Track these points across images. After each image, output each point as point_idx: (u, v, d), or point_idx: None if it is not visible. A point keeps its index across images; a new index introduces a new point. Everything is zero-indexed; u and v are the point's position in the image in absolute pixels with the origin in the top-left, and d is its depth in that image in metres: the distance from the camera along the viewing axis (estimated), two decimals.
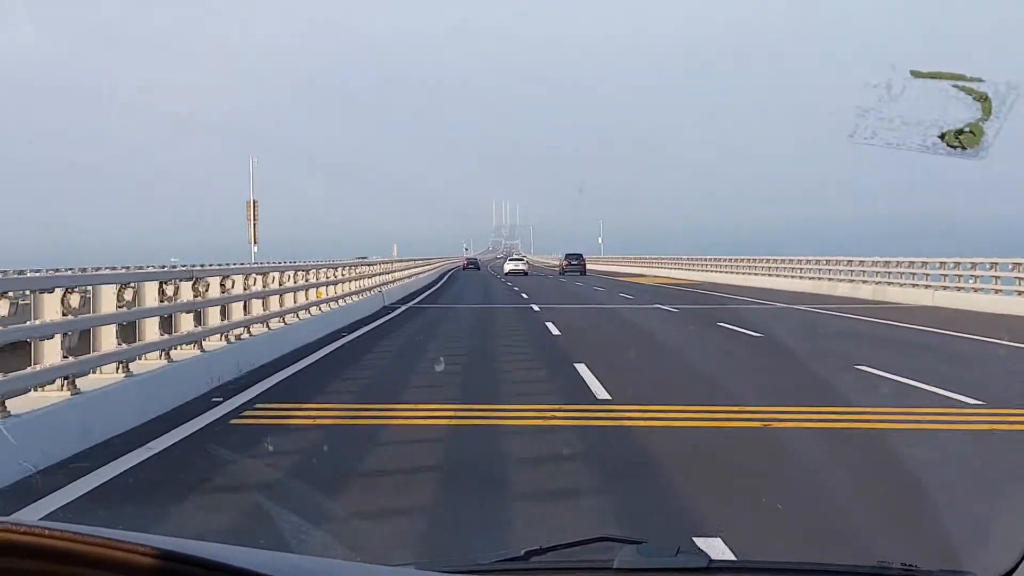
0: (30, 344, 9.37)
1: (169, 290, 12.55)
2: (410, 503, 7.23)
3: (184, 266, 22.47)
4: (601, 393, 12.58)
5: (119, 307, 11.03)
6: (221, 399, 12.01)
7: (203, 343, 13.60)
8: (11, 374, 8.51)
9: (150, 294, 12.13)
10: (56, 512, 6.81)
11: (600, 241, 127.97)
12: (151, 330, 12.11)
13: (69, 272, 27.16)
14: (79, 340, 10.60)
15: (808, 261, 49.01)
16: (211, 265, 19.40)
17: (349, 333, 22.00)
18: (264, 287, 18.18)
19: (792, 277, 49.98)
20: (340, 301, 25.97)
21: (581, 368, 14.88)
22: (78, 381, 9.74)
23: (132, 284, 11.53)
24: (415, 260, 65.94)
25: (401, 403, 12.02)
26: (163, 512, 6.96)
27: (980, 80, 2.08)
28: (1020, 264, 29.93)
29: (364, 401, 12.30)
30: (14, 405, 8.56)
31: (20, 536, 1.25)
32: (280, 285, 19.33)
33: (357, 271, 31.02)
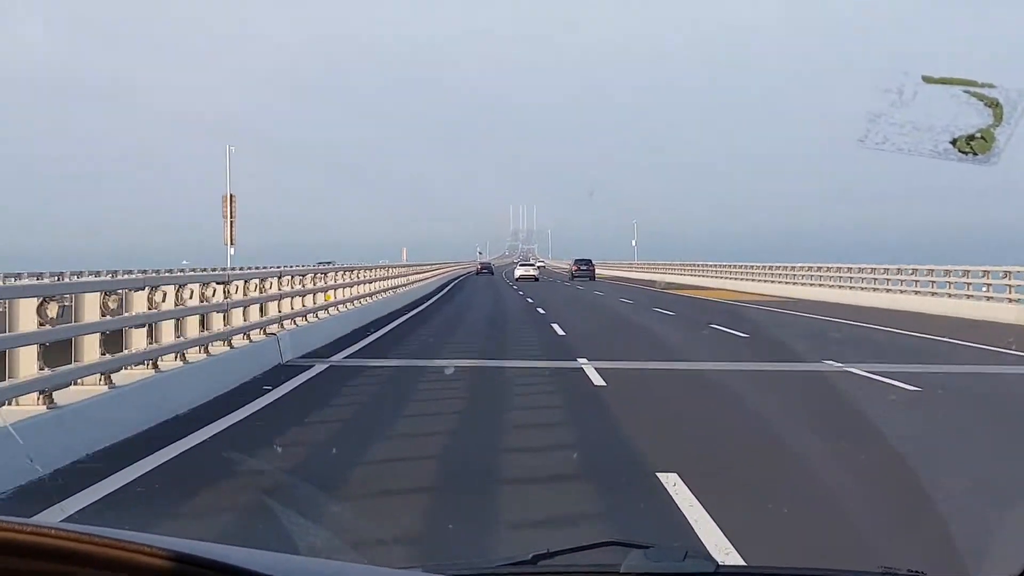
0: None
1: None
2: None
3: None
4: None
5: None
6: None
7: None
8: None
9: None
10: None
11: (634, 244, 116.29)
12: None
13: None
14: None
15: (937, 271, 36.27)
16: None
17: None
18: None
19: (910, 292, 37.48)
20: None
21: None
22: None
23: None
24: (416, 266, 59.26)
25: None
26: None
27: (992, 86, 2.08)
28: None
29: None
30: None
31: (25, 536, 1.25)
32: None
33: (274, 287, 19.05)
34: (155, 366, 12.11)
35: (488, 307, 39.96)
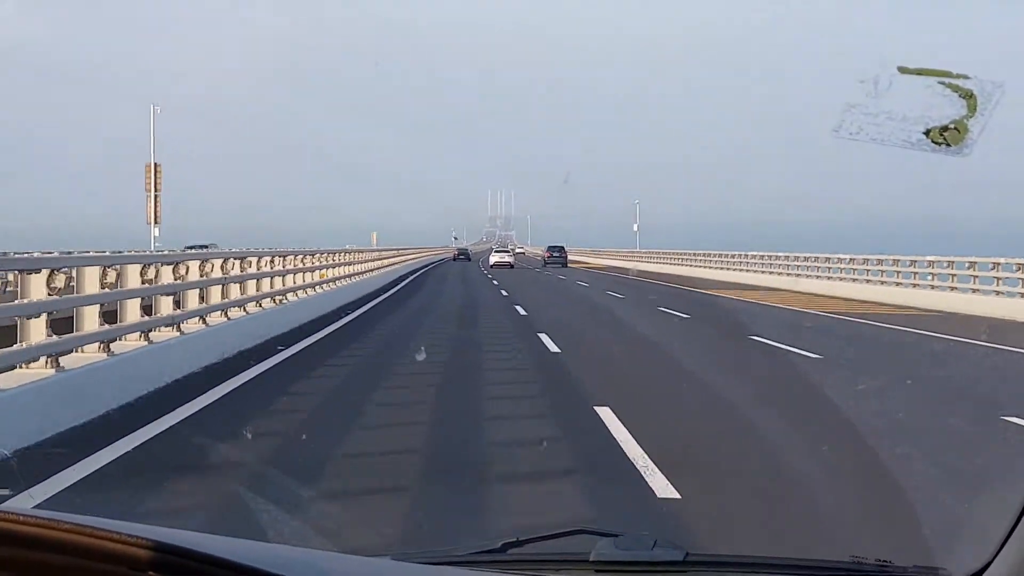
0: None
1: None
2: None
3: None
4: None
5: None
6: None
7: None
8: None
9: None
10: None
11: (635, 230, 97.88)
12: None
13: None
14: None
15: None
16: None
17: None
18: None
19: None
20: None
21: None
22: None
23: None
24: (381, 251, 54.99)
25: None
26: None
27: (966, 77, 2.08)
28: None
29: None
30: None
31: (14, 525, 1.24)
32: None
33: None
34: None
35: (458, 291, 41.90)
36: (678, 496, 7.27)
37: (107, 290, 12.29)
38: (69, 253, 15.43)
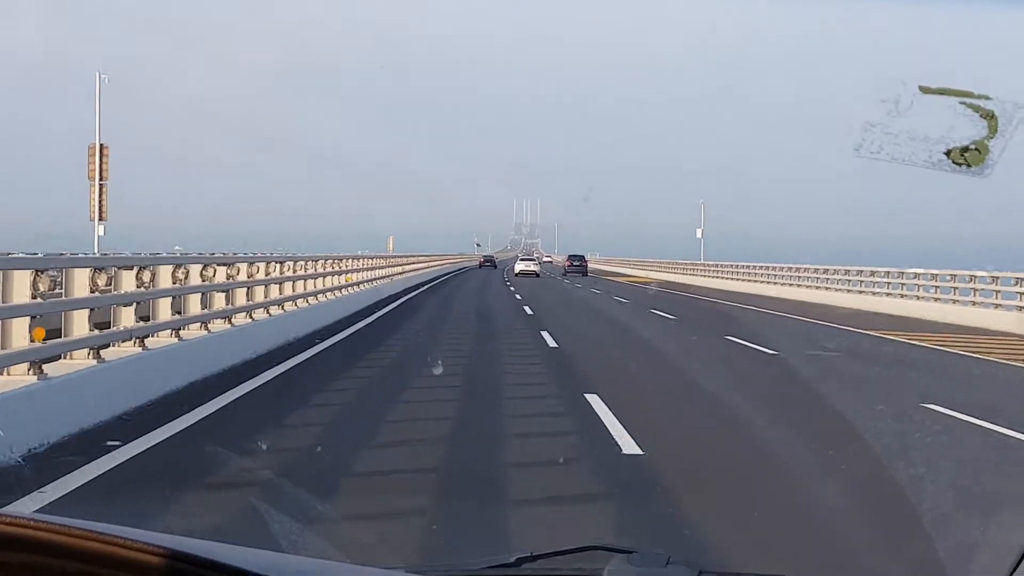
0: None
1: None
2: None
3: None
4: None
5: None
6: None
7: None
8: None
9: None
10: None
11: (699, 235, 79.21)
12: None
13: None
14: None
15: None
16: None
17: None
18: None
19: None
20: None
21: None
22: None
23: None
24: (398, 257, 51.19)
25: None
26: None
27: (987, 98, 2.08)
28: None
29: None
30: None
31: (23, 530, 1.24)
32: None
33: None
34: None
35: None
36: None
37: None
38: None
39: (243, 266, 18.53)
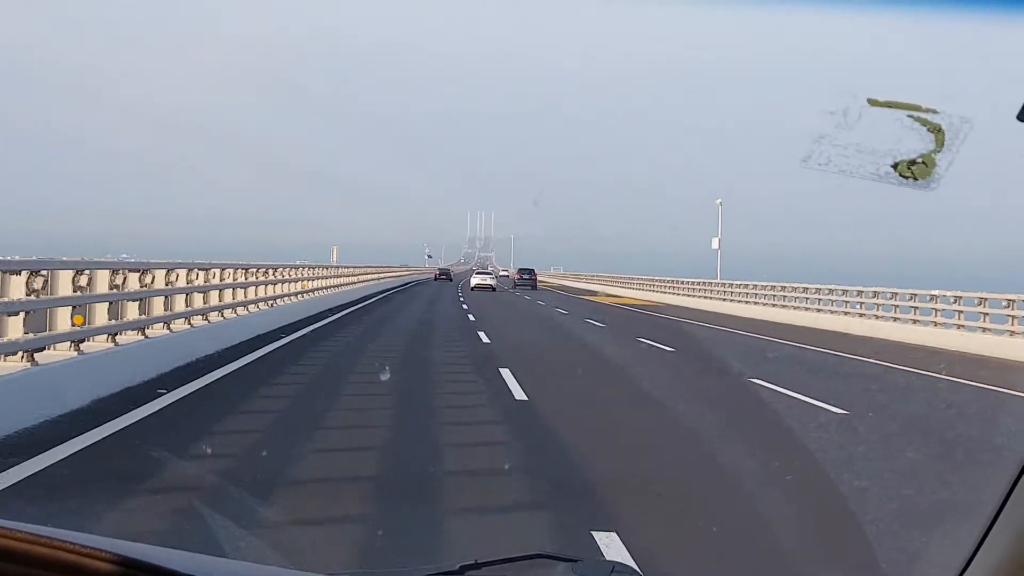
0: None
1: None
2: None
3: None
4: None
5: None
6: None
7: None
8: None
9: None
10: None
11: (715, 245, 65.54)
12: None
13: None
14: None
15: None
16: None
17: None
18: None
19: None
20: None
21: None
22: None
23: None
24: (323, 269, 44.50)
25: None
26: None
27: (935, 111, 2.09)
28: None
29: None
30: None
31: None
32: None
33: None
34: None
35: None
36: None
37: None
38: None
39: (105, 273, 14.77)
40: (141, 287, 16.44)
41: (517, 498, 8.35)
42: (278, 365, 18.48)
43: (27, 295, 11.39)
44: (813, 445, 11.56)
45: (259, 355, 19.78)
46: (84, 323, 13.83)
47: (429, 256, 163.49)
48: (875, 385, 19.49)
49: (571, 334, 32.58)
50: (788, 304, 44.30)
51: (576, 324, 38.05)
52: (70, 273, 13.13)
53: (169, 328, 18.09)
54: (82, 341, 13.48)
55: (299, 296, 34.17)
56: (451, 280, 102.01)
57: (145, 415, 12.06)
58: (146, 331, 16.54)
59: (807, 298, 42.55)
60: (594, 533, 6.99)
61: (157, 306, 17.68)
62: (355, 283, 51.09)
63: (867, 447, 11.91)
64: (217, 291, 22.03)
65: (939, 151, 2.10)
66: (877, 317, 36.32)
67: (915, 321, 33.62)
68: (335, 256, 70.86)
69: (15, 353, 11.23)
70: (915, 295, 33.86)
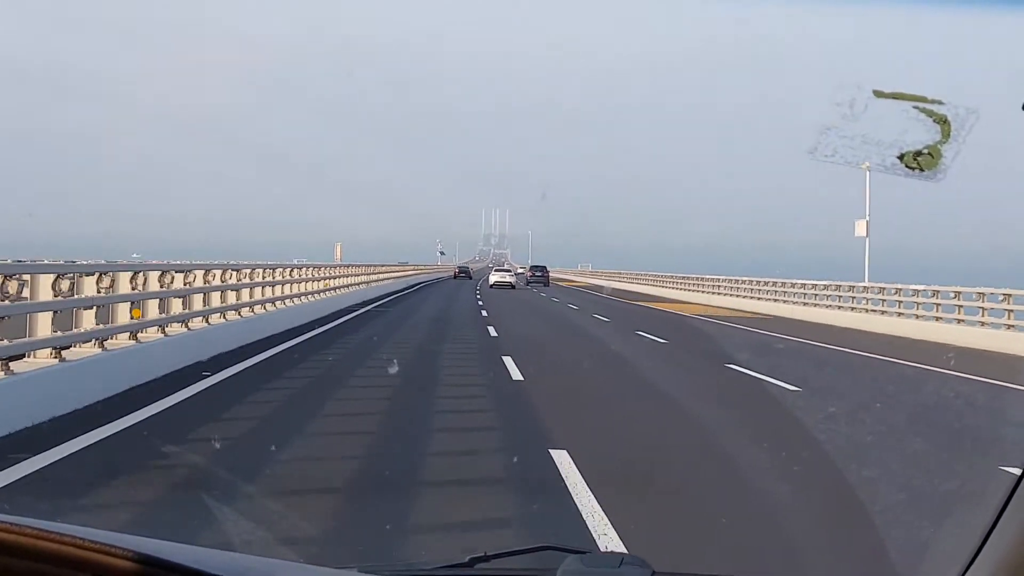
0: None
1: None
2: None
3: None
4: None
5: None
6: None
7: None
8: None
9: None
10: None
11: (862, 231, 46.36)
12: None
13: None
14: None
15: None
16: None
17: None
18: None
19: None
20: None
21: None
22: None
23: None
24: (329, 268, 40.19)
25: None
26: None
27: (940, 103, 2.10)
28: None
29: None
30: None
31: None
32: None
33: None
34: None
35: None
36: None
37: None
38: None
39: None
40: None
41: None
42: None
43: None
44: None
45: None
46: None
47: (442, 253, 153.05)
48: None
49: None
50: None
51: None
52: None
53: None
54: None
55: (283, 303, 28.19)
56: (471, 278, 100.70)
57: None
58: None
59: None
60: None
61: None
62: (357, 285, 45.62)
63: None
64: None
65: (945, 142, 2.10)
66: None
67: None
68: (339, 254, 65.92)
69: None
70: None
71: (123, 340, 15.38)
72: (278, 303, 27.23)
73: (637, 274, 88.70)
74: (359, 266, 50.79)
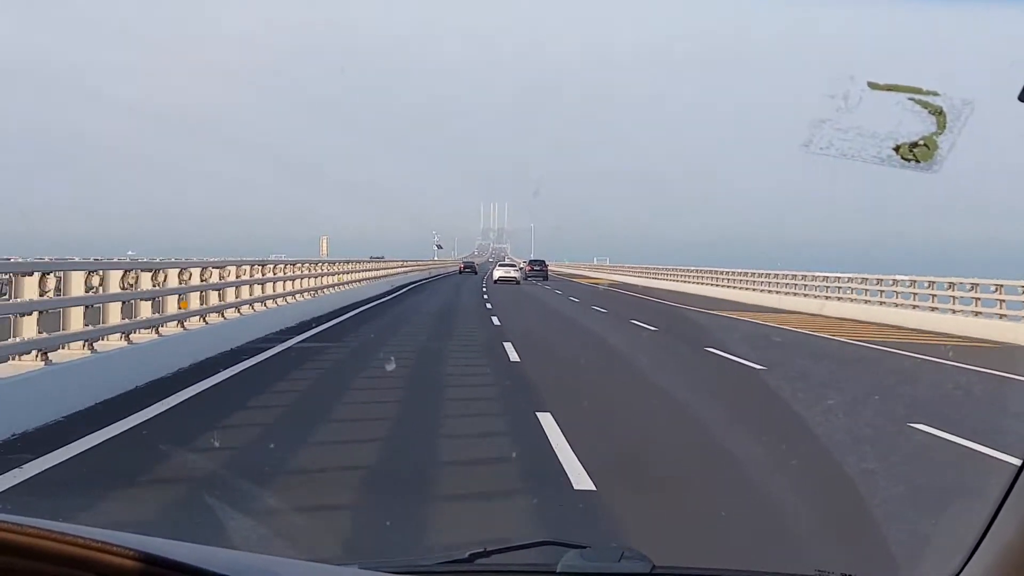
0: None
1: None
2: None
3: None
4: None
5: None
6: None
7: None
8: None
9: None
10: None
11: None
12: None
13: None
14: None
15: None
16: None
17: None
18: None
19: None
20: None
21: None
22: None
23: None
24: (321, 265, 36.46)
25: None
26: None
27: (936, 94, 2.10)
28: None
29: None
30: None
31: None
32: None
33: None
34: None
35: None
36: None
37: None
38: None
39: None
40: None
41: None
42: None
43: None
44: None
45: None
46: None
47: (439, 247, 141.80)
48: None
49: None
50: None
51: None
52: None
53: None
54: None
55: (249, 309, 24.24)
56: (475, 273, 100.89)
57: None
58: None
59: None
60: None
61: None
62: (340, 286, 39.43)
63: None
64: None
65: (940, 133, 2.10)
66: None
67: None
68: (324, 248, 61.38)
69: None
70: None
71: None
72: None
73: (675, 270, 74.09)
74: (356, 262, 43.83)
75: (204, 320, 19.39)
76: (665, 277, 74.93)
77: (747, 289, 53.25)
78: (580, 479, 8.44)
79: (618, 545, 2.59)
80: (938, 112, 2.09)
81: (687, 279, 67.69)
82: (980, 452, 10.22)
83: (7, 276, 13.53)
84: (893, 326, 31.96)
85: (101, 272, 14.55)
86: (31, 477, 8.52)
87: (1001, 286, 29.12)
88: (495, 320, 31.53)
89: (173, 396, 13.01)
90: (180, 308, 17.41)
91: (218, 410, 12.31)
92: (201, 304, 19.62)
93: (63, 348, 13.37)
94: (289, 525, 6.81)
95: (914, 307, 33.92)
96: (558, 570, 2.46)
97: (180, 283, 17.94)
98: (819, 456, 10.09)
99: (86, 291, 13.71)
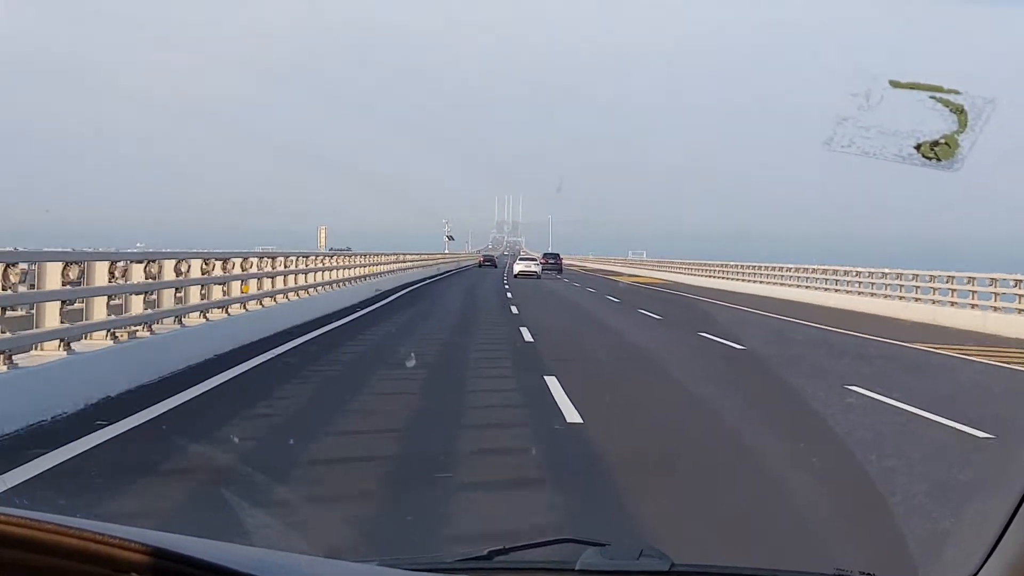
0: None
1: None
2: None
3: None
4: None
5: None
6: None
7: None
8: None
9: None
10: None
11: None
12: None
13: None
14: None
15: None
16: None
17: None
18: None
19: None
20: None
21: None
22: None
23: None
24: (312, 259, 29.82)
25: None
26: None
27: (957, 92, 2.09)
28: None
29: None
30: None
31: (3, 526, 1.23)
32: None
33: None
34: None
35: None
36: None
37: None
38: None
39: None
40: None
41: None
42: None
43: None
44: None
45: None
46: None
47: (451, 238, 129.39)
48: None
49: None
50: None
51: None
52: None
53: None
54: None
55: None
56: (495, 266, 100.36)
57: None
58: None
59: None
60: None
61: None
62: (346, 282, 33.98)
63: None
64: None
65: (962, 132, 2.09)
66: None
67: None
68: (323, 239, 53.03)
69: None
70: None
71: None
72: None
73: (747, 266, 58.81)
74: (357, 255, 37.13)
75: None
76: (726, 275, 60.76)
77: (867, 295, 38.71)
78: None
79: (637, 543, 2.59)
80: (959, 110, 2.08)
81: (763, 278, 52.93)
82: None
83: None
84: None
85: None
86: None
87: None
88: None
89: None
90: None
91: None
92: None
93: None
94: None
95: None
96: (577, 567, 2.46)
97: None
98: None
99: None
